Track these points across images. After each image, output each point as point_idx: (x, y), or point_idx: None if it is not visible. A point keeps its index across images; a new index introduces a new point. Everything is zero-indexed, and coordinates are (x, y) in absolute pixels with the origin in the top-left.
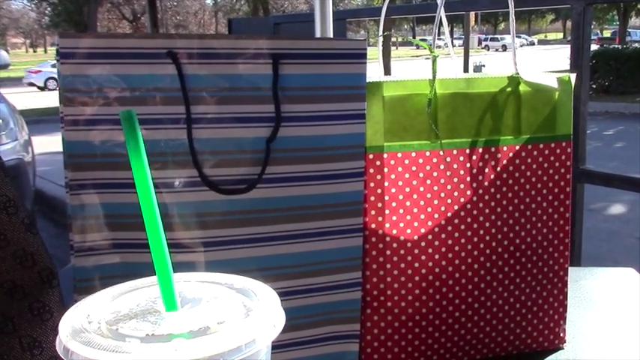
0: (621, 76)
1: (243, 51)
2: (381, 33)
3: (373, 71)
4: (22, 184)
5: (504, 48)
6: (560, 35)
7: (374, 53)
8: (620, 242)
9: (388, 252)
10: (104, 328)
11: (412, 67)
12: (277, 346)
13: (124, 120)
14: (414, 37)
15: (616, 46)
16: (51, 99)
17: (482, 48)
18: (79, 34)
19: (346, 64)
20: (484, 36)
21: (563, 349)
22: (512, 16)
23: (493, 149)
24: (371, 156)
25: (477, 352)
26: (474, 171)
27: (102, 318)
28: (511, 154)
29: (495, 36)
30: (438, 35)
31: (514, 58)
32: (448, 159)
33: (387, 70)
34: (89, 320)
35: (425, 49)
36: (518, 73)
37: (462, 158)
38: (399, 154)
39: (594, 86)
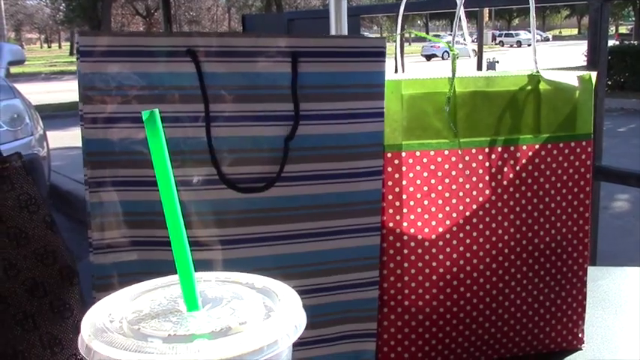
0: (637, 72)
1: (262, 49)
2: (399, 31)
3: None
4: (37, 178)
5: (519, 44)
6: (575, 31)
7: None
8: (635, 240)
9: (406, 251)
10: (126, 327)
11: (427, 65)
12: (294, 345)
13: (147, 120)
14: (427, 33)
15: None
16: (65, 95)
17: (496, 44)
18: (98, 32)
19: (365, 62)
20: (498, 32)
21: (581, 349)
22: (532, 14)
23: (512, 148)
24: (389, 154)
25: (494, 351)
26: (493, 170)
27: (123, 317)
28: (530, 153)
29: (510, 32)
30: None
31: (534, 56)
32: (467, 158)
33: (402, 68)
34: (111, 319)
35: (439, 44)
36: (538, 72)
37: (480, 157)
38: (418, 153)
39: (610, 83)
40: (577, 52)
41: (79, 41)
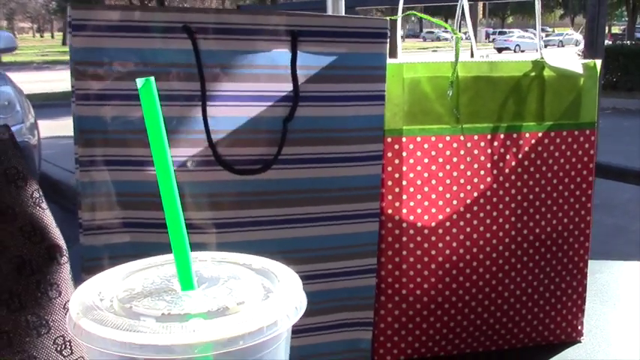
0: (630, 72)
1: (261, 27)
2: (400, 14)
3: None
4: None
5: None
6: (568, 30)
7: None
8: (628, 239)
9: (404, 238)
10: (117, 306)
11: (422, 59)
12: None
13: (142, 89)
14: (420, 30)
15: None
16: (56, 84)
17: (490, 42)
18: (91, 5)
19: (367, 43)
20: (492, 30)
21: (580, 342)
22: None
23: (515, 135)
24: (389, 139)
25: (492, 343)
26: (495, 157)
27: (114, 296)
28: (533, 141)
29: (503, 30)
30: (458, 26)
31: (539, 42)
32: (469, 144)
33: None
34: (101, 298)
35: (435, 39)
36: (542, 58)
37: (482, 144)
38: (419, 138)
39: (602, 82)
40: (569, 50)
41: (72, 14)
